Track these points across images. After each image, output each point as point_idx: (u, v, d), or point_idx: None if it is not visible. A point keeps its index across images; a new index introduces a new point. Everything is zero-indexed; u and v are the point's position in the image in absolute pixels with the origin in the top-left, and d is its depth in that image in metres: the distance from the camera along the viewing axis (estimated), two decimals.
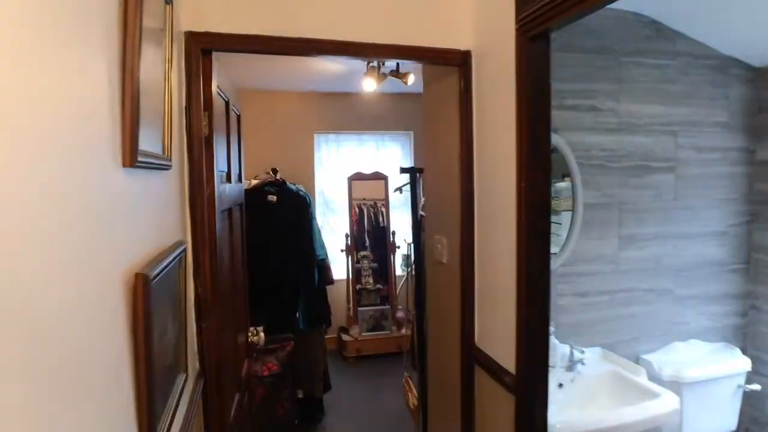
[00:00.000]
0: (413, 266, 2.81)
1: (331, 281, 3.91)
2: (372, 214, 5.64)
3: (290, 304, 3.47)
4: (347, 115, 5.34)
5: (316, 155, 5.36)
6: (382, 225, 5.54)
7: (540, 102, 1.50)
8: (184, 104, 1.53)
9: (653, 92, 2.72)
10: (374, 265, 5.51)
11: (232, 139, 2.14)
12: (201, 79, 1.59)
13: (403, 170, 2.79)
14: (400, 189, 5.46)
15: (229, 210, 2.04)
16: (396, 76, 3.61)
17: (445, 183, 2.10)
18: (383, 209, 5.54)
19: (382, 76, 3.58)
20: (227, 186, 1.95)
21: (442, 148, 2.12)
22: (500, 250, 1.66)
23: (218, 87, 1.80)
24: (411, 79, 3.57)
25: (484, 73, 1.76)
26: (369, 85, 3.61)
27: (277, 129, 5.17)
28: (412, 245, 2.86)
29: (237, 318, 2.23)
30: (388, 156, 5.64)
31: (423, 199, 2.88)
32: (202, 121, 1.58)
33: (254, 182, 3.57)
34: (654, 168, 2.74)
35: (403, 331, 5.24)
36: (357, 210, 5.41)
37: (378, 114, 5.42)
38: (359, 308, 5.24)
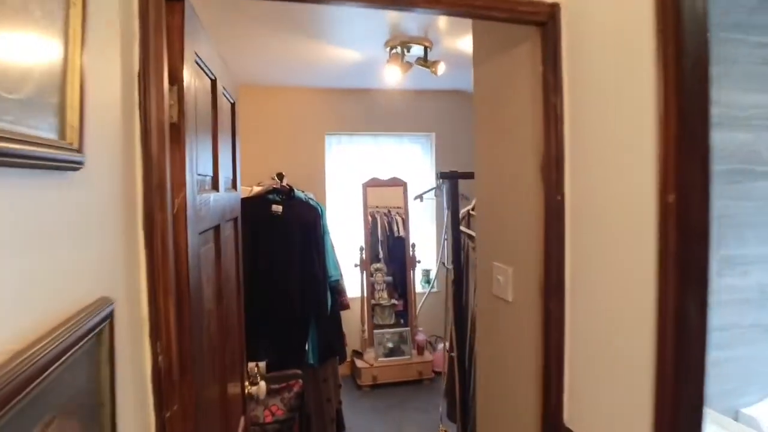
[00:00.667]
0: (454, 296, 2.25)
1: (347, 306, 3.34)
2: (386, 223, 5.09)
3: (298, 335, 2.92)
4: (362, 114, 4.80)
5: (327, 158, 4.82)
6: (397, 235, 4.98)
7: (696, 72, 0.95)
8: (136, 70, 0.99)
9: (757, 77, 2.14)
10: (389, 278, 4.96)
11: (222, 133, 1.60)
12: (164, 36, 1.04)
13: (443, 175, 2.23)
14: (420, 197, 4.91)
15: (216, 228, 1.49)
16: (423, 65, 3.06)
17: (510, 192, 1.53)
18: (398, 218, 4.98)
19: (407, 65, 3.03)
20: (212, 196, 1.40)
21: (505, 145, 1.56)
22: (620, 294, 1.09)
23: (197, 55, 1.25)
24: (441, 68, 3.02)
25: (585, 33, 1.20)
26: (393, 74, 3.06)
27: (284, 129, 4.64)
28: (450, 267, 2.29)
29: (229, 368, 1.67)
30: (407, 160, 5.08)
31: (463, 211, 2.32)
32: (166, 100, 1.03)
33: (256, 189, 3.03)
34: (759, 173, 2.16)
35: (426, 355, 4.67)
36: (370, 219, 4.86)
37: (397, 113, 4.88)
38: (375, 330, 4.67)
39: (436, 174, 4.79)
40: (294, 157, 4.66)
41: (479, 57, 1.74)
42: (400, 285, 5.00)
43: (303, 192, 4.02)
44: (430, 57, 3.09)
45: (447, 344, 2.39)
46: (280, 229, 2.89)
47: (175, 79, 1.08)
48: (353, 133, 4.88)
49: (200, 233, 1.25)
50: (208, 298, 1.37)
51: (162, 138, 1.01)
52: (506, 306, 1.57)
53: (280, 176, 3.06)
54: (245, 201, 2.75)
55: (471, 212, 2.21)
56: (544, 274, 1.31)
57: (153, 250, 0.99)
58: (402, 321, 4.94)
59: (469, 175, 1.89)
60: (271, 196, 2.95)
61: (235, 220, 1.89)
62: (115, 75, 0.89)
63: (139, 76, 1.00)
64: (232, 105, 1.89)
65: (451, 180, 2.24)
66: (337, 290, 3.13)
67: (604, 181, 1.13)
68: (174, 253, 1.05)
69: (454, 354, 2.20)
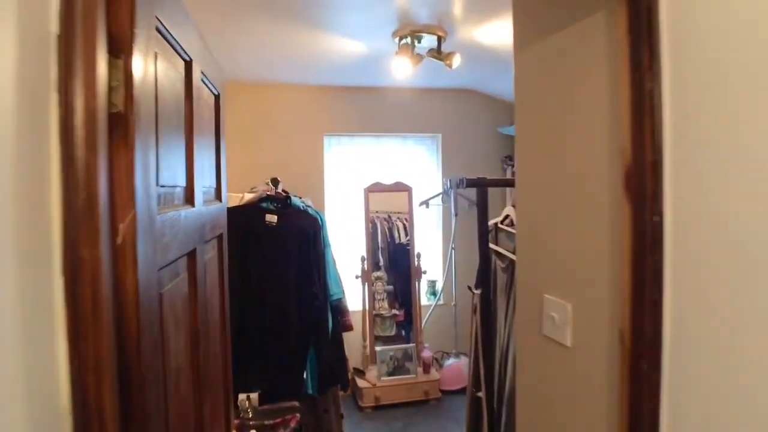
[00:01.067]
0: (480, 326, 1.90)
1: (350, 327, 3.00)
2: (386, 229, 4.75)
3: (296, 361, 2.57)
4: (364, 113, 4.46)
5: (326, 161, 4.47)
6: (398, 242, 4.64)
7: None
8: (53, 30, 0.65)
9: None
10: (389, 288, 4.62)
11: (201, 131, 1.26)
12: None
13: (470, 182, 1.89)
14: (426, 203, 4.58)
15: (191, 254, 1.15)
16: (437, 57, 2.73)
17: (570, 206, 1.20)
18: (399, 223, 4.64)
19: (418, 58, 2.70)
20: (183, 212, 1.06)
21: (565, 145, 1.22)
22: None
23: (160, 21, 0.91)
24: (456, 60, 2.69)
25: None
26: (402, 68, 2.72)
27: (278, 130, 4.29)
28: (477, 292, 1.94)
29: (209, 422, 1.33)
30: (411, 162, 4.74)
31: (491, 223, 1.98)
32: (103, 78, 0.69)
33: (248, 197, 2.68)
34: None
35: (433, 373, 4.32)
36: (370, 224, 4.51)
37: (401, 113, 4.54)
38: (377, 347, 4.32)
39: (458, 180, 4.44)
40: (290, 160, 4.32)
41: (523, 38, 1.40)
42: (401, 294, 4.67)
43: (301, 199, 3.68)
44: (444, 48, 2.76)
45: (470, 380, 2.05)
46: (275, 242, 2.54)
47: (120, 48, 0.74)
48: (354, 134, 4.54)
49: (162, 268, 0.90)
50: (177, 351, 1.02)
51: (93, 134, 0.66)
52: (563, 352, 1.23)
53: (275, 182, 2.72)
54: (234, 211, 2.42)
55: (500, 225, 1.87)
56: (632, 320, 0.97)
57: (78, 308, 0.64)
58: (403, 332, 4.61)
59: (504, 183, 1.55)
60: (264, 205, 2.60)
61: (220, 237, 1.55)
62: (3, 32, 0.55)
63: (59, 40, 0.65)
64: (216, 98, 1.55)
65: (480, 188, 1.89)
66: (339, 309, 2.79)
67: (744, 197, 0.79)
68: (114, 306, 0.70)
69: (481, 394, 1.85)
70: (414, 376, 4.26)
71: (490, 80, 4.25)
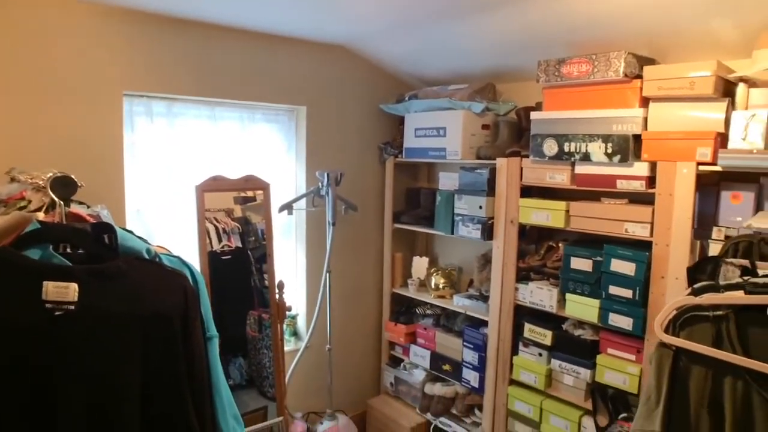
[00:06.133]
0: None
1: None
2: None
3: None
4: (191, 67, 2.79)
5: (127, 139, 2.67)
6: (211, 249, 3.07)
7: None
8: None
9: None
10: None
11: None
12: None
13: None
14: (289, 206, 3.17)
15: None
16: None
17: None
18: (209, 225, 3.06)
19: None
20: None
21: None
22: None
23: None
24: None
25: None
26: None
27: (39, 79, 2.35)
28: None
29: None
30: (258, 145, 3.23)
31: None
32: None
33: None
34: None
35: None
36: (206, 244, 2.88)
37: (247, 70, 3.00)
38: None
39: (337, 174, 3.07)
40: (59, 134, 2.42)
41: None
42: (219, 318, 3.09)
43: (89, 207, 1.97)
44: None
45: None
46: (74, 355, 0.93)
47: None
48: (174, 96, 2.82)
49: None
50: None
51: None
52: None
53: (65, 185, 1.04)
54: None
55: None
56: None
57: None
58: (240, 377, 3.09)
59: None
60: (37, 253, 0.94)
61: None
62: None
63: None
64: None
65: None
66: None
67: None
68: None
69: None
70: None
71: (374, 35, 3.01)
